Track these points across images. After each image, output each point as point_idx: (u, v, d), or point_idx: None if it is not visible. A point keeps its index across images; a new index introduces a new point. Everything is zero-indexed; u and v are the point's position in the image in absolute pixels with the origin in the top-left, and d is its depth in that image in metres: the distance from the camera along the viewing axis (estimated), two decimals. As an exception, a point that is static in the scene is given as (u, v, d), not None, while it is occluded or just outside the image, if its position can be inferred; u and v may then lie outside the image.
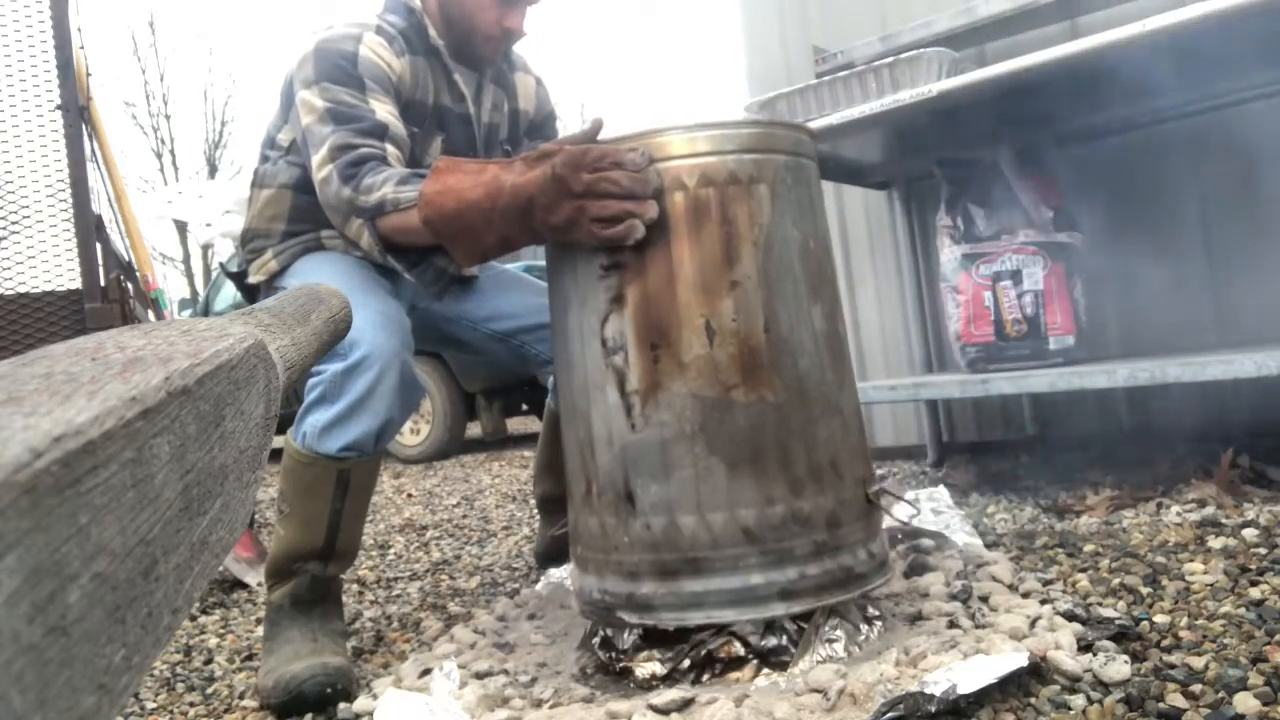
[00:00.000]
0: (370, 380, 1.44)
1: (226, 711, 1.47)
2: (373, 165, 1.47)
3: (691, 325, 1.17)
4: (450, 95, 1.73)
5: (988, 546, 1.67)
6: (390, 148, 1.51)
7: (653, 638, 1.24)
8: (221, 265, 1.77)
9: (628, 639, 1.25)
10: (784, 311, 1.20)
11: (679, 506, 1.17)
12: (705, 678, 1.19)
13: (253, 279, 1.69)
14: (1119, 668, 1.07)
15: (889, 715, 0.99)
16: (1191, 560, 1.47)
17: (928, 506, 1.84)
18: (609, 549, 1.22)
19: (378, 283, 1.63)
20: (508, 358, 1.93)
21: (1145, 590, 1.37)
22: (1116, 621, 1.22)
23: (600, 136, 1.27)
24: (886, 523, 1.79)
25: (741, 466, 1.16)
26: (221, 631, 1.98)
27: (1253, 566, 1.40)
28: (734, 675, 1.18)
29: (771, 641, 1.19)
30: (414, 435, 5.40)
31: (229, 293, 6.36)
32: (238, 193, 1.51)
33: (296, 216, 1.66)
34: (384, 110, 1.55)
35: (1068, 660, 1.09)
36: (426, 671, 1.36)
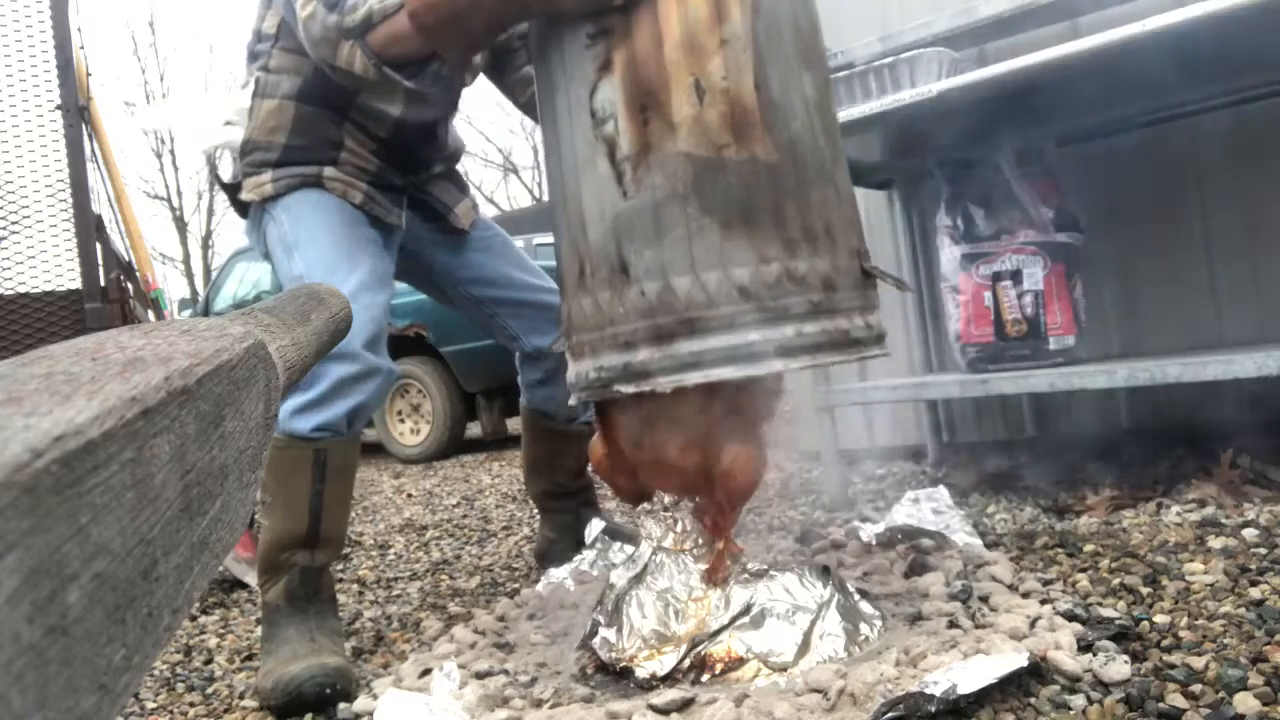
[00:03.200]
0: (345, 370, 1.48)
1: (226, 711, 1.47)
2: None
3: (680, 85, 1.16)
4: None
5: (988, 546, 1.67)
6: None
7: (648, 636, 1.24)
8: (216, 176, 1.77)
9: (630, 639, 1.25)
10: (774, 73, 1.18)
11: (673, 268, 1.15)
12: (705, 678, 1.19)
13: (246, 195, 1.68)
14: (1119, 668, 1.07)
15: (889, 715, 0.99)
16: (1191, 560, 1.47)
17: (928, 506, 1.84)
18: (604, 324, 1.21)
19: (367, 239, 1.64)
20: (478, 322, 1.96)
21: (1145, 590, 1.37)
22: (1116, 621, 1.22)
23: None
24: (890, 522, 1.79)
25: (735, 226, 1.15)
26: (221, 631, 1.98)
27: (1253, 566, 1.40)
28: (734, 675, 1.18)
29: (772, 642, 1.19)
30: (414, 435, 5.40)
31: (229, 292, 6.36)
32: (238, 103, 1.50)
33: (299, 129, 1.66)
34: None
35: (1068, 660, 1.09)
36: (426, 671, 1.36)
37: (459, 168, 1.95)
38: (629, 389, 1.18)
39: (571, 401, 1.31)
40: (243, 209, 1.73)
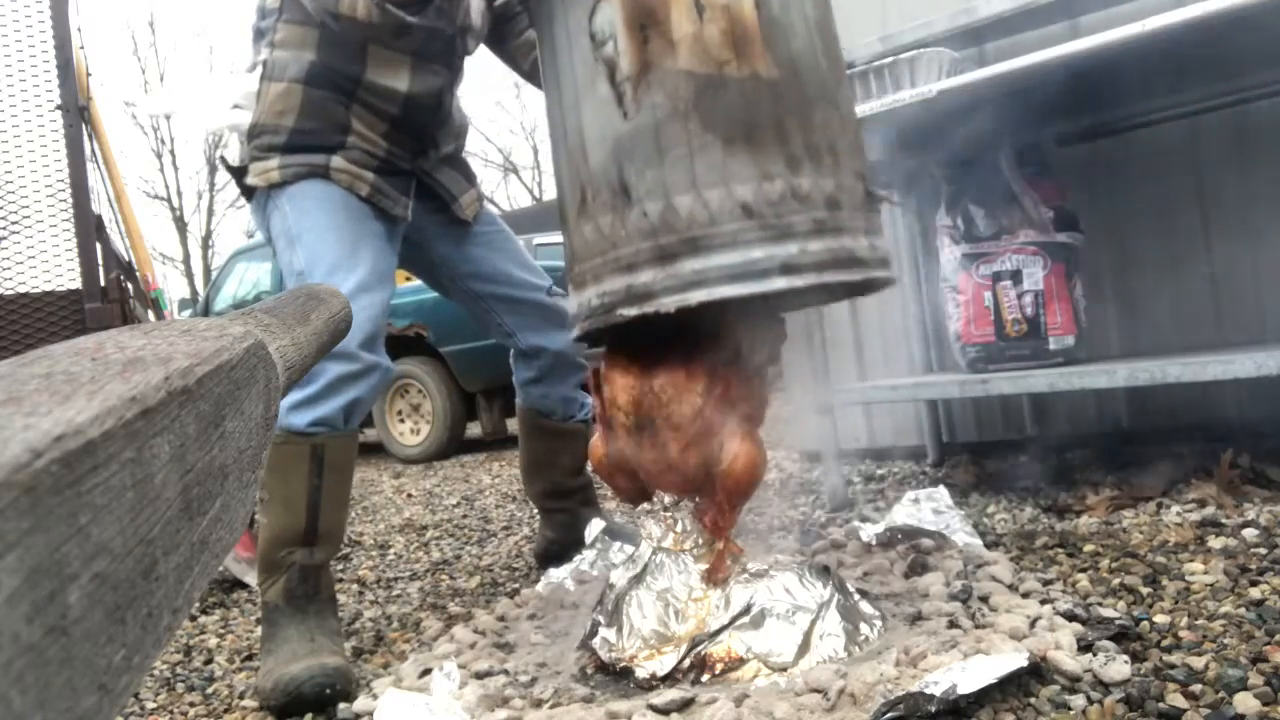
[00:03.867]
0: (342, 369, 1.50)
1: (226, 711, 1.47)
2: None
3: (680, 2, 1.15)
4: None
5: (988, 546, 1.67)
6: None
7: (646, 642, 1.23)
8: (222, 158, 1.78)
9: (630, 639, 1.25)
10: None
11: (675, 187, 1.14)
12: (705, 678, 1.19)
13: (252, 180, 1.68)
14: (1119, 668, 1.07)
15: (889, 715, 0.99)
16: (1191, 560, 1.47)
17: (928, 506, 1.84)
18: (606, 249, 1.19)
19: (371, 234, 1.65)
20: (475, 317, 1.97)
21: (1145, 590, 1.37)
22: (1116, 621, 1.22)
23: None
24: (890, 522, 1.79)
25: (737, 143, 1.14)
26: (221, 631, 1.98)
27: (1253, 566, 1.40)
28: (734, 675, 1.18)
29: (772, 642, 1.19)
30: (414, 435, 5.40)
31: (229, 292, 6.36)
32: (246, 86, 1.51)
33: (307, 112, 1.65)
34: None
35: (1068, 660, 1.09)
36: (426, 671, 1.36)
37: (466, 155, 1.96)
38: (632, 312, 1.16)
39: (573, 334, 1.29)
40: (248, 192, 1.73)
